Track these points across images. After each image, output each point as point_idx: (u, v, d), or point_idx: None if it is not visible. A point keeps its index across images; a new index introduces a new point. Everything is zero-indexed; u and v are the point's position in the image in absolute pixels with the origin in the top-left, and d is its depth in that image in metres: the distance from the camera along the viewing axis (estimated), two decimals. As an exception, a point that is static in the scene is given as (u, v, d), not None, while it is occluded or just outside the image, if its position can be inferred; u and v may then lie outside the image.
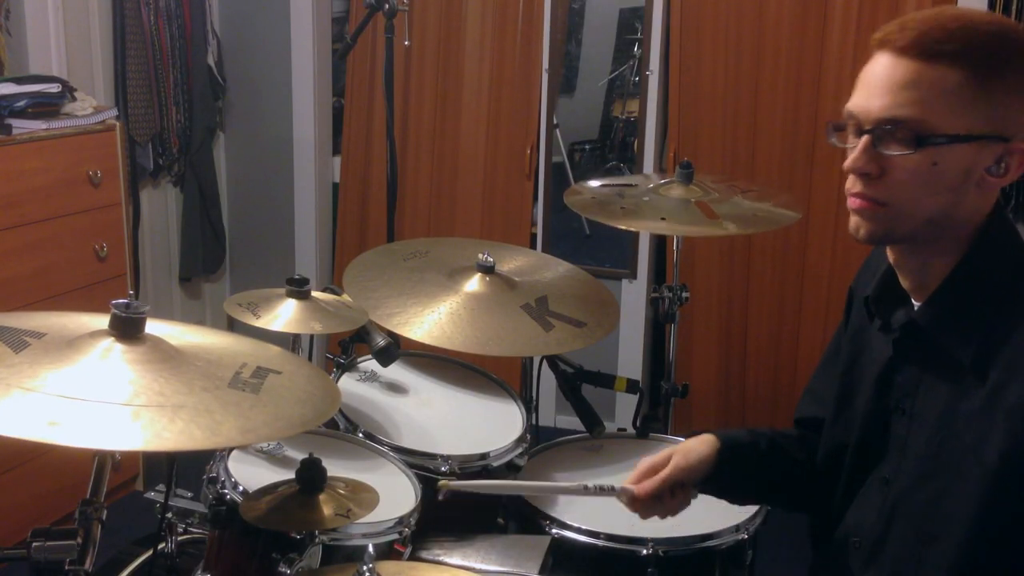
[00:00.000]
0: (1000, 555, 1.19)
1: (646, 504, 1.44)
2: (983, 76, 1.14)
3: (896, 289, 1.31)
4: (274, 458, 1.79)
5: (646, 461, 1.46)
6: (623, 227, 2.30)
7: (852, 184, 1.23)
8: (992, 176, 1.19)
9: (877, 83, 1.19)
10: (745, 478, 1.49)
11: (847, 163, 1.22)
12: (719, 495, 1.52)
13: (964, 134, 1.15)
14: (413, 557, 1.68)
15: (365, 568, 1.36)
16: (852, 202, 1.24)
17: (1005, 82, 1.15)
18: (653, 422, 2.26)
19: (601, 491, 1.43)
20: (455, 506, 1.87)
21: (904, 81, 1.16)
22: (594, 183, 2.60)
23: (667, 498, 1.43)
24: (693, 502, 1.48)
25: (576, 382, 2.19)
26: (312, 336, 2.25)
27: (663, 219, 2.27)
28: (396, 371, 2.19)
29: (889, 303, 1.32)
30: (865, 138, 1.19)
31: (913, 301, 1.29)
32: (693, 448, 1.45)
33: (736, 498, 1.63)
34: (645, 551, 1.77)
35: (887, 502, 1.30)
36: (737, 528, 1.84)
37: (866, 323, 1.37)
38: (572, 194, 2.49)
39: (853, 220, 1.25)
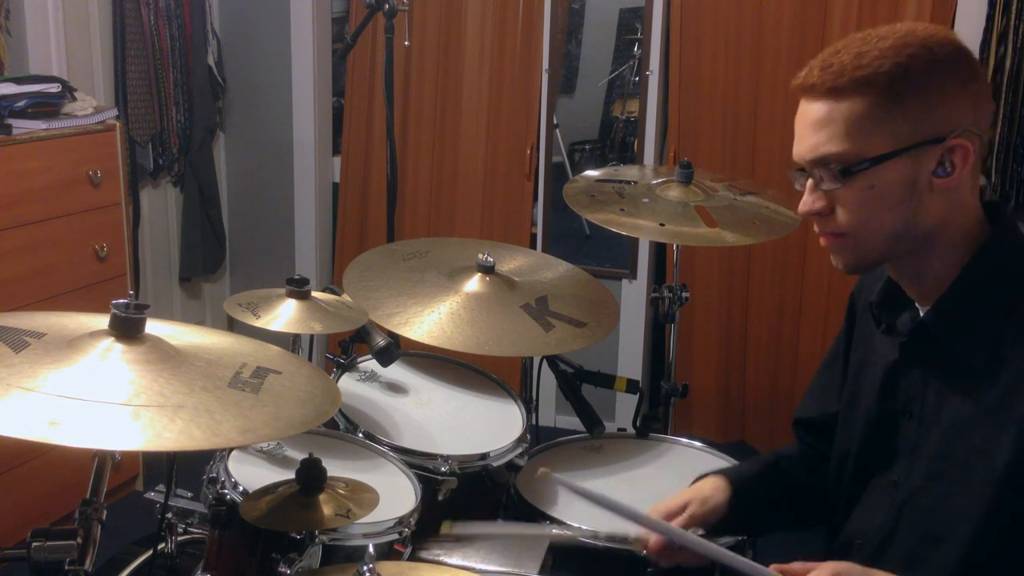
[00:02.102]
0: (1005, 558, 1.19)
1: (660, 553, 1.47)
2: (890, 93, 1.17)
3: (900, 295, 1.32)
4: (274, 458, 1.79)
5: (661, 507, 1.49)
6: (623, 232, 2.30)
7: (815, 225, 1.28)
8: (941, 178, 1.19)
9: (801, 128, 1.25)
10: (758, 515, 1.53)
11: (799, 208, 1.28)
12: (735, 534, 1.55)
13: (887, 152, 1.18)
14: (413, 557, 1.68)
15: (365, 568, 1.35)
16: (821, 241, 1.29)
17: (916, 90, 1.17)
18: (653, 422, 2.26)
19: (613, 540, 1.46)
20: (455, 506, 1.87)
21: (819, 120, 1.22)
22: (593, 172, 2.61)
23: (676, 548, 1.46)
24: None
25: (576, 382, 2.19)
26: (312, 336, 2.25)
27: (662, 224, 2.27)
28: (396, 371, 2.19)
29: (894, 307, 1.33)
30: (809, 181, 1.25)
31: (918, 306, 1.30)
32: (709, 497, 1.49)
33: (751, 533, 1.65)
34: (645, 551, 1.77)
35: (895, 504, 1.30)
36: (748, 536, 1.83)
37: (872, 329, 1.38)
38: (571, 183, 2.49)
39: (831, 256, 1.29)
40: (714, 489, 1.49)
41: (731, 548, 1.81)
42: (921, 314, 1.29)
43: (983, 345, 1.21)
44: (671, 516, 1.47)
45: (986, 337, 1.21)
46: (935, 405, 1.26)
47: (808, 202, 1.26)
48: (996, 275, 1.23)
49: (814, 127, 1.23)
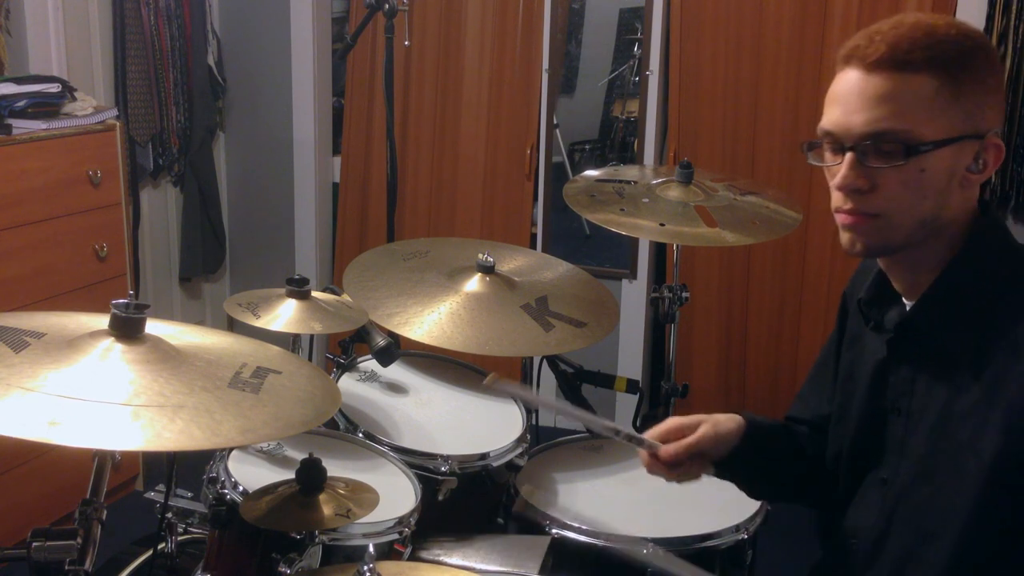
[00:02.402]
0: (997, 552, 1.19)
1: (663, 465, 1.43)
2: (954, 79, 1.17)
3: (888, 290, 1.32)
4: (274, 458, 1.79)
5: (674, 420, 1.45)
6: (623, 232, 2.30)
7: (842, 201, 1.23)
8: (973, 173, 1.21)
9: (853, 99, 1.20)
10: (763, 462, 1.49)
11: (837, 181, 1.22)
12: (734, 477, 1.51)
13: (946, 138, 1.17)
14: (413, 557, 1.68)
15: (365, 568, 1.36)
16: (844, 219, 1.24)
17: (973, 81, 1.18)
18: (653, 422, 2.25)
19: (630, 439, 1.43)
20: (455, 506, 1.87)
21: (882, 94, 1.18)
22: (593, 172, 2.61)
23: (684, 463, 1.42)
24: (693, 501, 1.48)
25: (576, 382, 2.19)
26: (312, 336, 2.25)
27: (662, 224, 2.27)
28: (396, 371, 2.19)
29: (882, 305, 1.33)
30: (850, 155, 1.20)
31: (905, 301, 1.30)
32: (722, 422, 1.45)
33: (749, 481, 1.59)
34: (645, 551, 1.77)
35: (887, 502, 1.30)
36: (737, 528, 1.84)
37: (863, 328, 1.38)
38: (571, 183, 2.49)
39: (846, 236, 1.25)
40: (729, 418, 1.46)
41: (732, 547, 1.83)
42: (908, 309, 1.29)
43: (967, 339, 1.21)
44: (684, 431, 1.43)
45: (970, 331, 1.22)
46: (922, 401, 1.27)
47: (850, 177, 1.20)
48: (980, 269, 1.23)
49: (874, 100, 1.18)
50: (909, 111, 1.17)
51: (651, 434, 1.43)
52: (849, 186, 1.21)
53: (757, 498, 1.82)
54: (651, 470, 1.45)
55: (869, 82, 1.18)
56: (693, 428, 1.43)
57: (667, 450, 1.40)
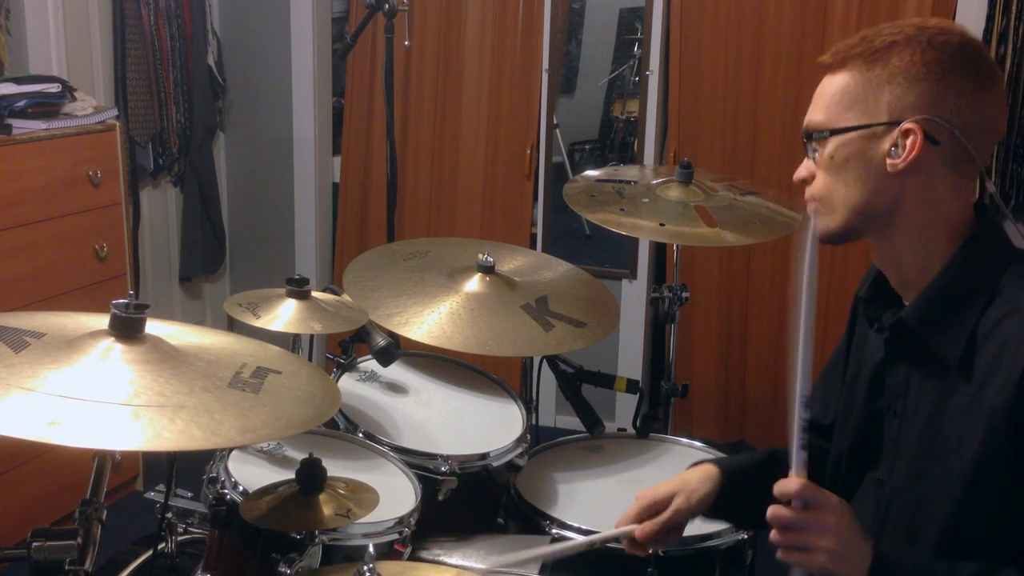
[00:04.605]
0: (976, 552, 1.19)
1: (641, 545, 1.46)
2: (867, 71, 1.23)
3: (888, 290, 1.33)
4: (274, 458, 1.79)
5: (648, 496, 1.47)
6: (623, 232, 2.30)
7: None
8: (893, 159, 1.22)
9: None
10: (748, 505, 1.50)
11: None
12: (724, 520, 1.54)
13: (842, 127, 1.25)
14: (413, 557, 1.68)
15: (365, 568, 1.36)
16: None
17: (888, 71, 1.22)
18: (653, 422, 2.26)
19: (606, 543, 1.45)
20: (455, 506, 1.87)
21: (817, 93, 1.30)
22: (593, 172, 2.61)
23: (661, 538, 1.46)
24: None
25: (576, 382, 2.19)
26: (312, 336, 2.25)
27: (662, 224, 2.27)
28: (396, 371, 2.19)
29: (881, 304, 1.34)
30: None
31: (904, 302, 1.30)
32: (696, 488, 1.47)
33: (740, 524, 1.65)
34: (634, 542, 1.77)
35: (881, 504, 1.30)
36: (737, 528, 1.84)
37: (867, 329, 1.38)
38: (571, 183, 2.49)
39: None
40: (703, 480, 1.47)
41: (732, 547, 1.83)
42: (903, 309, 1.30)
43: (958, 342, 1.22)
44: (658, 507, 1.45)
45: (961, 334, 1.22)
46: (916, 403, 1.27)
47: (799, 168, 1.33)
48: (973, 273, 1.24)
49: (814, 99, 1.30)
50: (823, 106, 1.27)
51: (627, 516, 1.46)
52: (796, 176, 1.34)
53: (751, 528, 1.83)
54: (631, 551, 1.48)
55: (818, 85, 1.30)
56: (667, 503, 1.46)
57: (642, 530, 1.44)
